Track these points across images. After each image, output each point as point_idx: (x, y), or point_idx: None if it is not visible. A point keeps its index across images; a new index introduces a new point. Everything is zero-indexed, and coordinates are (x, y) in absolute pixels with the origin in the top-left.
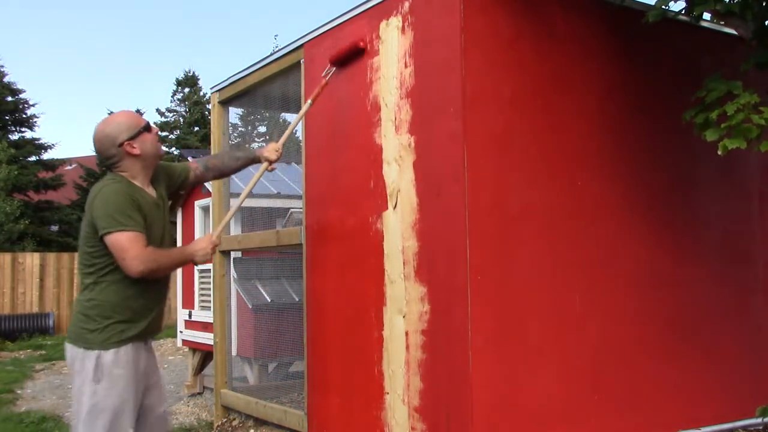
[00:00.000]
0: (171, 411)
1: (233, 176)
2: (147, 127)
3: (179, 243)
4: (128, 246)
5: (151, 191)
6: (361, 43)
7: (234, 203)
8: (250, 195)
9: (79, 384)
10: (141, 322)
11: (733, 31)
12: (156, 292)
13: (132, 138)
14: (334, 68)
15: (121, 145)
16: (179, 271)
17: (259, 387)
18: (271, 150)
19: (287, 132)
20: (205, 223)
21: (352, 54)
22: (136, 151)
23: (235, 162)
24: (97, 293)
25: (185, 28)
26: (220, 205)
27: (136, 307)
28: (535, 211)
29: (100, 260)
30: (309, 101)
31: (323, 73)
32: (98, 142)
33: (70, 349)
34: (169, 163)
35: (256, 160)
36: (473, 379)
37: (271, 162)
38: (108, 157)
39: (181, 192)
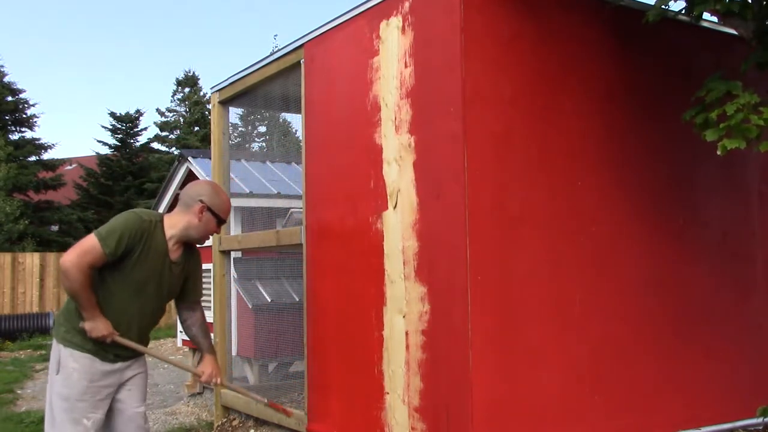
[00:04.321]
0: (171, 411)
1: (233, 176)
2: (221, 222)
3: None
4: (84, 248)
5: (175, 251)
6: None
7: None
8: (251, 195)
9: (48, 375)
10: (98, 343)
11: (733, 31)
12: (122, 323)
13: (209, 209)
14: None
15: (200, 201)
16: None
17: (259, 387)
18: (210, 373)
19: (235, 389)
20: None
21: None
22: (198, 216)
23: (193, 340)
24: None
25: (185, 28)
26: None
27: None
28: (535, 211)
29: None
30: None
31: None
32: (195, 185)
33: None
34: (197, 282)
35: (202, 356)
36: (473, 379)
37: (198, 376)
38: (184, 197)
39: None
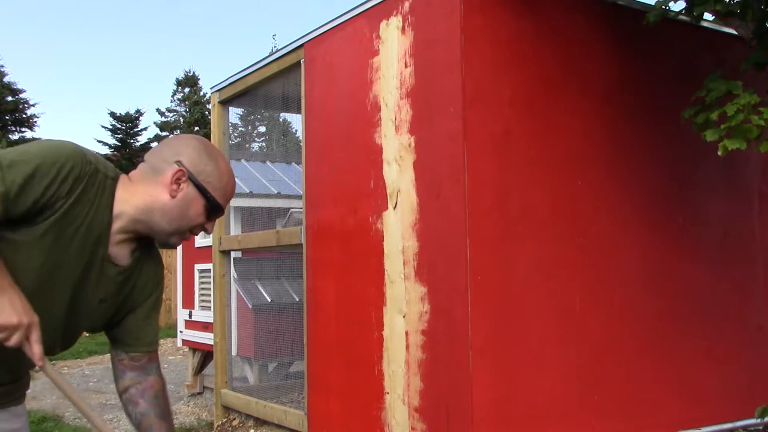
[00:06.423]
0: (171, 411)
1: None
2: (214, 208)
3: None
4: None
5: (120, 245)
6: None
7: None
8: (251, 195)
9: None
10: None
11: (733, 31)
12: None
13: (192, 180)
14: None
15: (178, 164)
16: (179, 272)
17: (259, 387)
18: None
19: None
20: None
21: None
22: (171, 190)
23: (138, 426)
24: None
25: (185, 28)
26: None
27: None
28: (535, 211)
29: None
30: None
31: None
32: (175, 141)
33: None
34: (153, 318)
35: None
36: (473, 379)
37: None
38: (152, 158)
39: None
